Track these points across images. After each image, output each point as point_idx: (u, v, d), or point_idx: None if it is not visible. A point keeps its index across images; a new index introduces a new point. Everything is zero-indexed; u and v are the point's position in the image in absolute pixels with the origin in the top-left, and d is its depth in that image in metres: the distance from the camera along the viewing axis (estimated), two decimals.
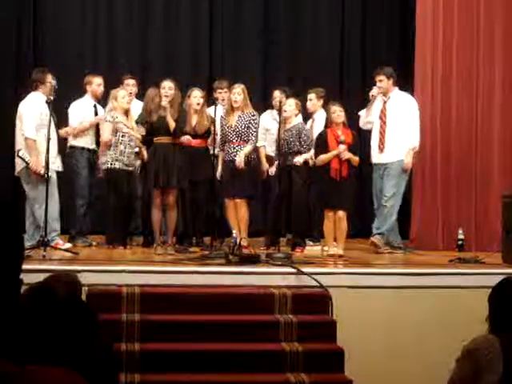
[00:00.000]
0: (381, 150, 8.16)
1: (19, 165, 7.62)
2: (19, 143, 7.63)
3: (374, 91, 8.36)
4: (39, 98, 7.63)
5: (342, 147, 7.45)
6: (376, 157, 8.20)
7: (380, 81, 8.24)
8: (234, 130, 8.09)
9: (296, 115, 8.32)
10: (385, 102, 8.27)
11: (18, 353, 1.60)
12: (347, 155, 7.46)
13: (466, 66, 8.63)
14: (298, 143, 8.14)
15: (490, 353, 3.11)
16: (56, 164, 7.76)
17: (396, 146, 8.12)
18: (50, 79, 7.71)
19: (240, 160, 7.97)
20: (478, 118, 8.63)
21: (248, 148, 8.06)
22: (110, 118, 7.98)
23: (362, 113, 8.47)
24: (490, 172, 8.57)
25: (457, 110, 8.62)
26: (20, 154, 7.50)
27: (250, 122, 8.09)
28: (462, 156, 8.61)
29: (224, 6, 10.43)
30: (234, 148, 8.10)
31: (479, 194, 8.60)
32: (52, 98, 7.45)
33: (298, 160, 8.09)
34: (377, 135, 8.23)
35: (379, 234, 8.04)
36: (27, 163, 7.46)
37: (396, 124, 8.17)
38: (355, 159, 7.57)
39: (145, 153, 8.05)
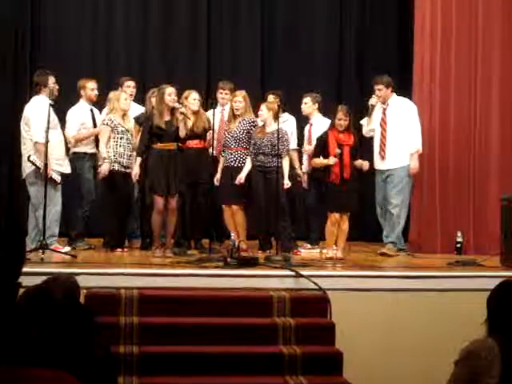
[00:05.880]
0: (382, 156, 8.21)
1: (28, 168, 7.53)
2: (28, 147, 7.53)
3: (373, 100, 8.38)
4: (43, 101, 7.55)
5: (333, 160, 7.48)
6: (378, 163, 8.23)
7: (379, 90, 8.28)
8: (232, 136, 8.11)
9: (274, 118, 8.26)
10: (384, 109, 8.30)
11: (16, 355, 1.60)
12: (366, 166, 7.58)
13: (464, 68, 8.63)
14: (276, 147, 8.08)
15: (488, 355, 3.11)
16: (64, 167, 7.74)
17: (397, 152, 8.17)
18: (52, 82, 7.69)
19: (240, 177, 7.96)
20: (477, 122, 8.63)
21: (247, 167, 8.03)
22: (108, 121, 7.94)
23: (364, 122, 8.48)
24: (488, 175, 8.57)
25: (455, 112, 8.62)
26: (31, 158, 7.38)
27: (250, 128, 8.10)
28: (461, 159, 8.62)
29: (222, 7, 10.43)
30: (232, 153, 8.11)
31: (478, 197, 8.60)
32: (52, 100, 7.44)
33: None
34: (378, 142, 8.27)
35: (391, 242, 8.07)
36: (39, 167, 7.34)
37: (396, 130, 8.20)
38: (365, 163, 7.62)
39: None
